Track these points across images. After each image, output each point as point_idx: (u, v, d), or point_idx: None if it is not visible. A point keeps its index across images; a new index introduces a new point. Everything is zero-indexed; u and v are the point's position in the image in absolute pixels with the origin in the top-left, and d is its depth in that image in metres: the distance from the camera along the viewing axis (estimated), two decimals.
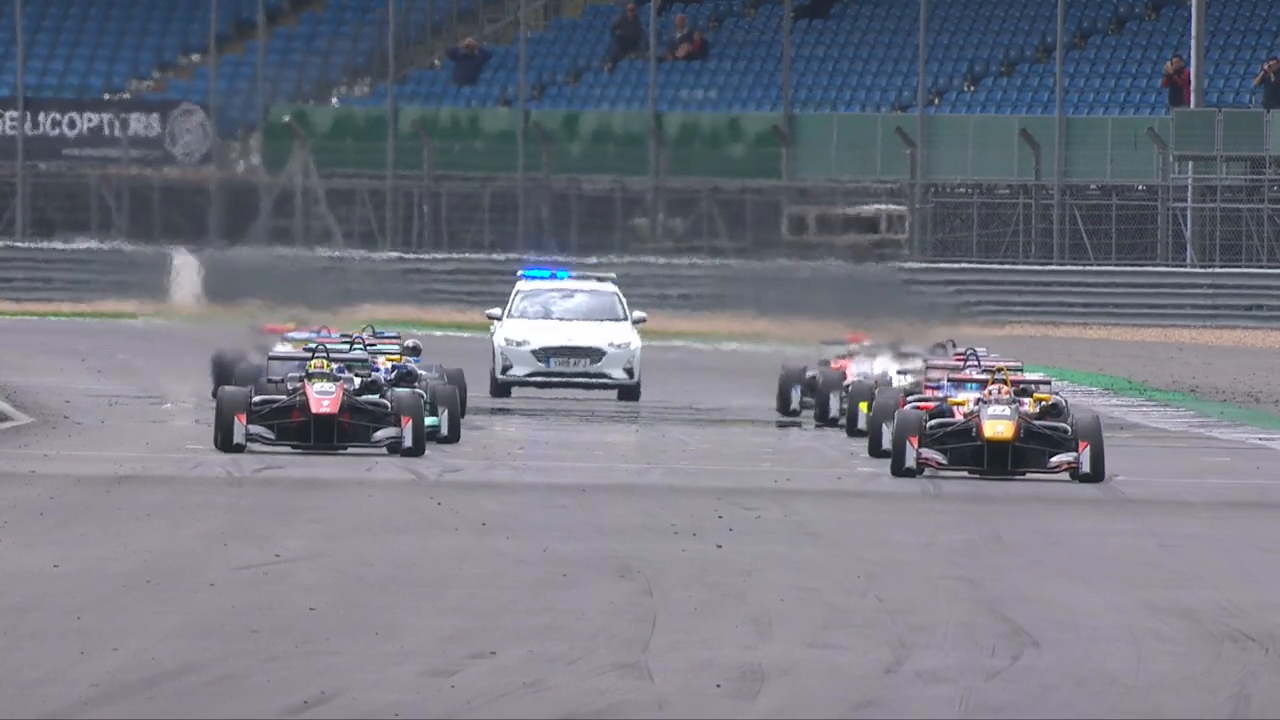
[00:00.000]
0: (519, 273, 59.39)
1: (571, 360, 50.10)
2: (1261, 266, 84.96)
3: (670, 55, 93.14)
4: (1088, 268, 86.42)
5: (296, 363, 40.48)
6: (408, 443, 33.98)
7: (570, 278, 57.74)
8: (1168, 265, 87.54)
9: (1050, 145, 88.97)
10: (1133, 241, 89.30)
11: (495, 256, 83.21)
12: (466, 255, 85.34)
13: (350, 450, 34.23)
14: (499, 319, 54.68)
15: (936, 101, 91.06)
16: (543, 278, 56.48)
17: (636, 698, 25.64)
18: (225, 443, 34.18)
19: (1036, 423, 33.78)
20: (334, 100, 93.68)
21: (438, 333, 71.78)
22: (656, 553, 33.79)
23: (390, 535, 34.48)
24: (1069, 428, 33.91)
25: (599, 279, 58.22)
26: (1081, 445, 32.65)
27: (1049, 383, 39.82)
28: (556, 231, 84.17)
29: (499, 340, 53.41)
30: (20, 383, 52.80)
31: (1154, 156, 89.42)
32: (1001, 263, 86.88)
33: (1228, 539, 38.39)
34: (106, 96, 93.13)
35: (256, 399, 34.53)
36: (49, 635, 29.43)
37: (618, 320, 53.75)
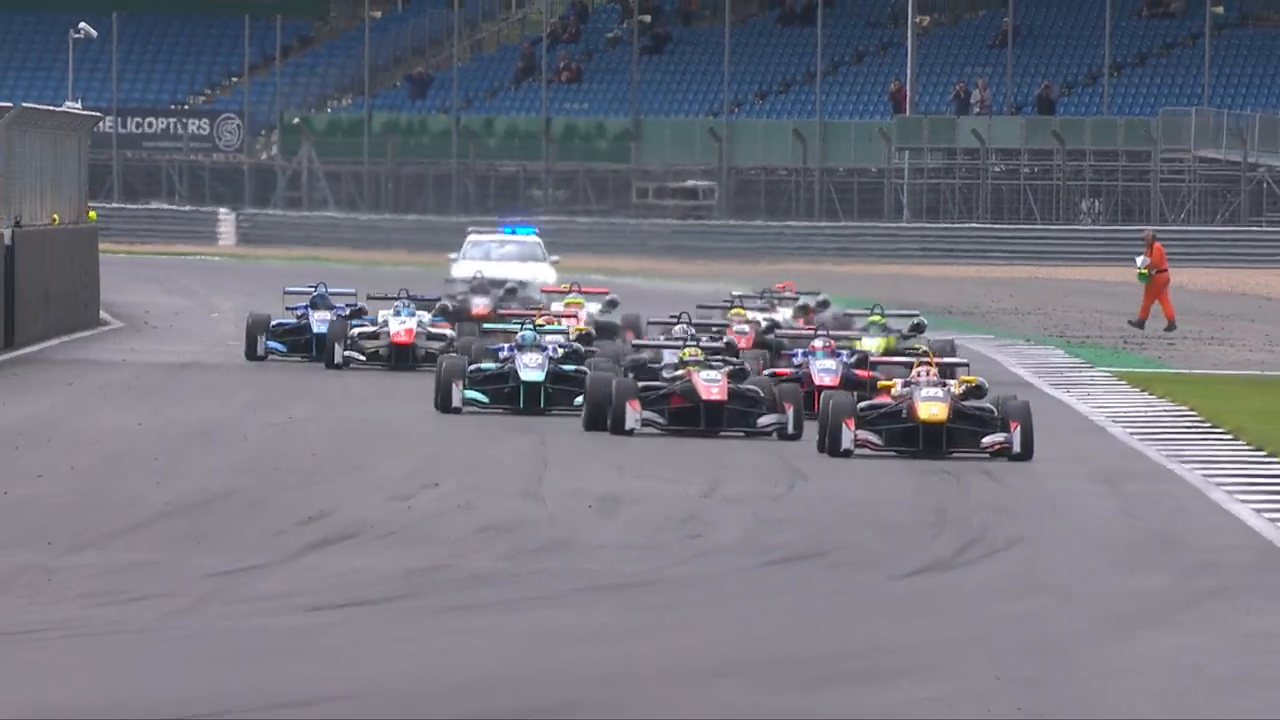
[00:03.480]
0: (471, 228, 58.67)
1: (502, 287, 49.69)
2: (955, 222, 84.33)
3: (557, 79, 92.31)
4: (838, 224, 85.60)
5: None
6: (791, 429, 29.05)
7: (513, 233, 57.27)
8: (891, 223, 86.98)
9: (814, 140, 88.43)
10: (868, 207, 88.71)
11: (437, 218, 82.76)
12: (418, 216, 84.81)
13: (726, 434, 29.96)
14: (455, 259, 54.12)
15: (736, 111, 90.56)
16: (507, 232, 56.08)
17: (534, 515, 25.61)
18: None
19: (964, 404, 27.96)
20: (329, 109, 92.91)
21: (399, 268, 70.59)
22: (553, 422, 33.36)
23: (367, 405, 34.03)
24: (994, 408, 27.90)
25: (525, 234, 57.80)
26: (1013, 425, 26.87)
27: (967, 364, 34.63)
28: (479, 201, 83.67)
29: (453, 272, 52.96)
30: (116, 300, 51.89)
31: (882, 148, 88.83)
32: (780, 221, 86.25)
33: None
34: (172, 106, 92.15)
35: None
36: (136, 471, 29.23)
37: (539, 261, 53.17)
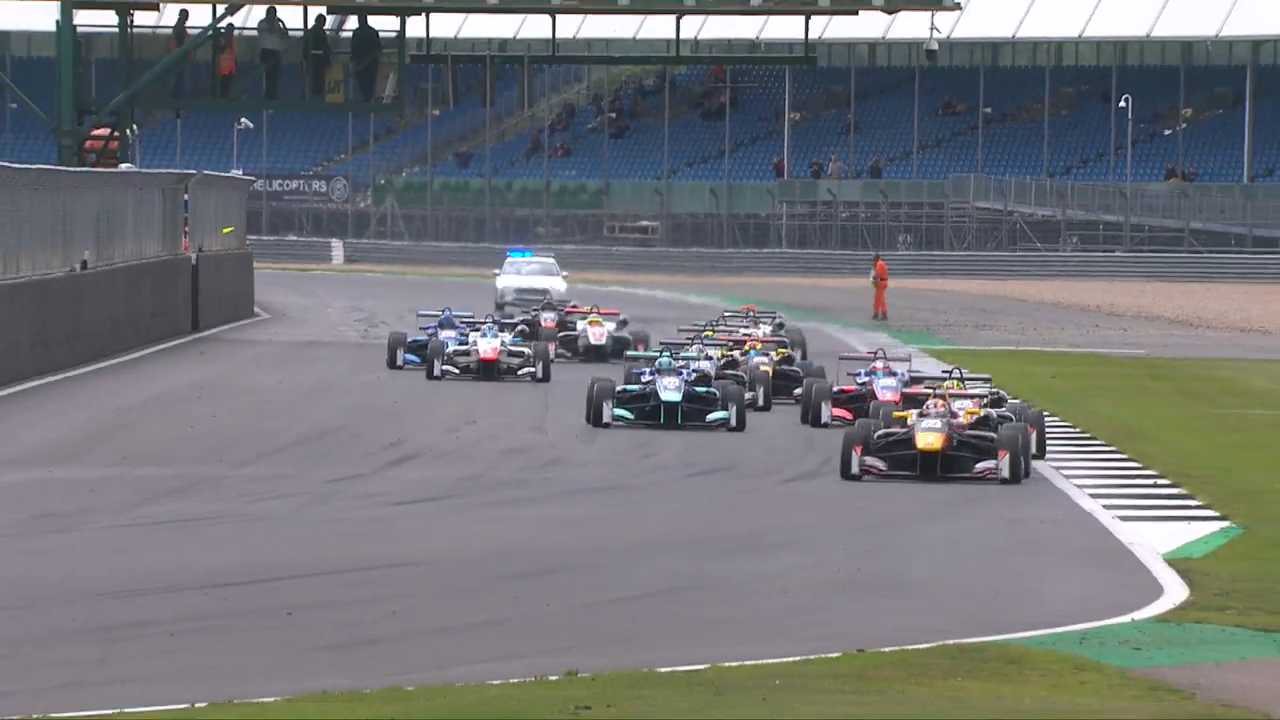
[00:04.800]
0: (508, 251, 57.88)
1: (531, 294, 48.73)
2: (817, 249, 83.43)
3: (554, 155, 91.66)
4: (739, 250, 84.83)
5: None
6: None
7: (533, 255, 56.38)
8: (774, 249, 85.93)
9: (724, 195, 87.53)
10: (759, 239, 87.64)
11: (475, 245, 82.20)
12: (463, 244, 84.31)
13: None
14: (498, 274, 53.20)
15: (672, 175, 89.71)
16: (515, 255, 55.20)
17: (539, 442, 25.39)
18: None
19: (969, 433, 22.88)
20: (404, 174, 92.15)
21: (452, 279, 70.04)
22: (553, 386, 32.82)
23: (419, 375, 33.06)
24: (994, 436, 22.66)
25: (547, 256, 56.65)
26: (1001, 454, 21.70)
27: (989, 378, 28.08)
28: (503, 235, 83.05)
29: (498, 284, 51.82)
30: (266, 299, 51.37)
31: (768, 200, 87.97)
32: (702, 248, 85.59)
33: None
34: (301, 172, 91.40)
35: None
36: (276, 414, 28.90)
37: (555, 275, 52.27)
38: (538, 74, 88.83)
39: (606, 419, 25.56)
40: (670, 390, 25.27)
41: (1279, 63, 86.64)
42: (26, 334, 30.76)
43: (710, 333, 32.69)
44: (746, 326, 35.00)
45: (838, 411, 26.28)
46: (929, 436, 21.15)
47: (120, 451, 24.41)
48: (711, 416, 25.02)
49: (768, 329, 34.75)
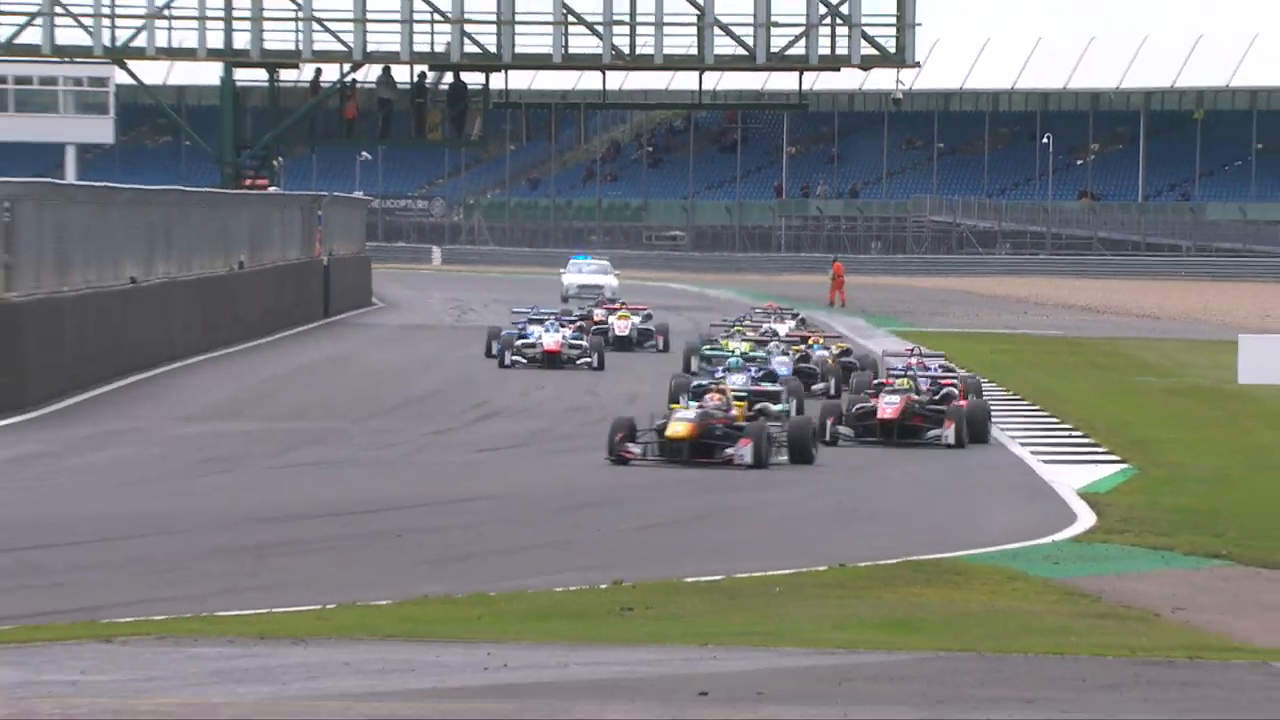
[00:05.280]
0: (571, 256, 57.29)
1: (590, 289, 47.96)
2: (808, 253, 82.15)
3: (604, 180, 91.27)
4: (749, 254, 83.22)
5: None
6: (950, 440, 19.65)
7: (590, 258, 55.51)
8: (775, 253, 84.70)
9: (736, 212, 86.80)
10: (764, 245, 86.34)
11: (545, 249, 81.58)
12: (535, 249, 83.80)
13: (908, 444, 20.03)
14: (564, 272, 52.47)
15: (696, 195, 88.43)
16: (582, 258, 54.36)
17: (593, 403, 25.27)
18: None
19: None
20: (489, 195, 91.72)
21: (527, 277, 69.85)
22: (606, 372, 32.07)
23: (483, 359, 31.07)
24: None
25: (600, 258, 55.68)
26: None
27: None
28: (565, 242, 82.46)
29: (563, 281, 50.83)
30: (382, 291, 51.34)
31: (770, 215, 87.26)
32: (720, 252, 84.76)
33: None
34: (408, 194, 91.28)
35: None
36: (388, 382, 28.65)
37: (609, 273, 51.49)
38: (592, 117, 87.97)
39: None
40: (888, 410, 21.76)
41: (1165, 109, 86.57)
42: (197, 319, 30.85)
43: (739, 328, 30.55)
44: (770, 322, 32.66)
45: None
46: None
47: (270, 410, 24.49)
48: (776, 407, 20.77)
49: (791, 324, 32.53)
